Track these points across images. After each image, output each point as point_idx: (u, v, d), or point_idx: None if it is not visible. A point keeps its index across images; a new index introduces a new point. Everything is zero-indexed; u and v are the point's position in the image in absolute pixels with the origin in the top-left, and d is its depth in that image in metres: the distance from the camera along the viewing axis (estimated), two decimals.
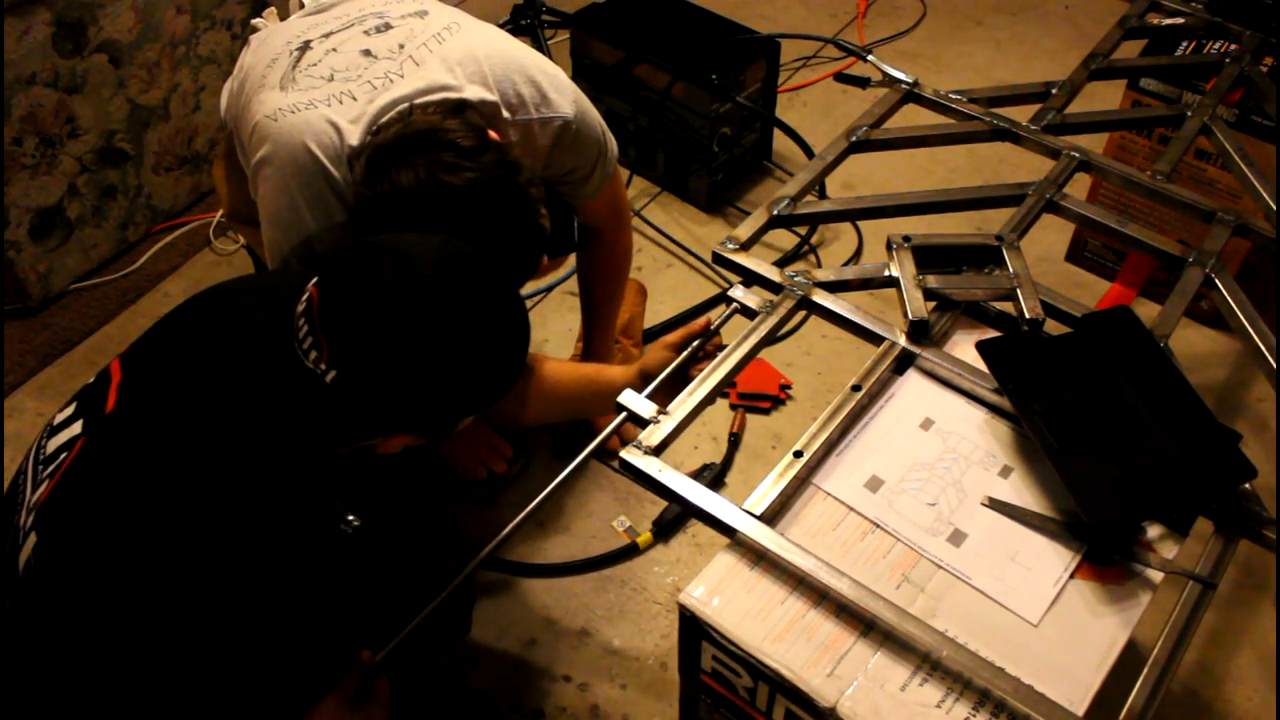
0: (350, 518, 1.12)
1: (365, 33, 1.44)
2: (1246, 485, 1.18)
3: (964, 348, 1.35)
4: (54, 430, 1.08)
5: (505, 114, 1.41)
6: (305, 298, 1.00)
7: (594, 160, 1.55)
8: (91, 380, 1.12)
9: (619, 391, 1.28)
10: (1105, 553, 1.13)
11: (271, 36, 1.50)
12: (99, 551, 0.97)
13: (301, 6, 1.57)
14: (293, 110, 1.35)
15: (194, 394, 1.03)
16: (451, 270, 1.00)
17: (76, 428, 1.06)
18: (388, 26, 1.45)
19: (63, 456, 1.04)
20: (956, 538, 1.15)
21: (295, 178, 1.35)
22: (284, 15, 1.59)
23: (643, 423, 1.24)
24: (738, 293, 1.40)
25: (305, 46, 1.44)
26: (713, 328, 1.39)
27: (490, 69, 1.41)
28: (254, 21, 1.61)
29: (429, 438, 1.08)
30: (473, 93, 1.38)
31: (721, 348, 1.34)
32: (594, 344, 1.89)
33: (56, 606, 0.98)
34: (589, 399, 1.48)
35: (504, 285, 1.06)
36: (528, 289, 2.16)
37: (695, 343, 1.38)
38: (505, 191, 1.25)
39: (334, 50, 1.42)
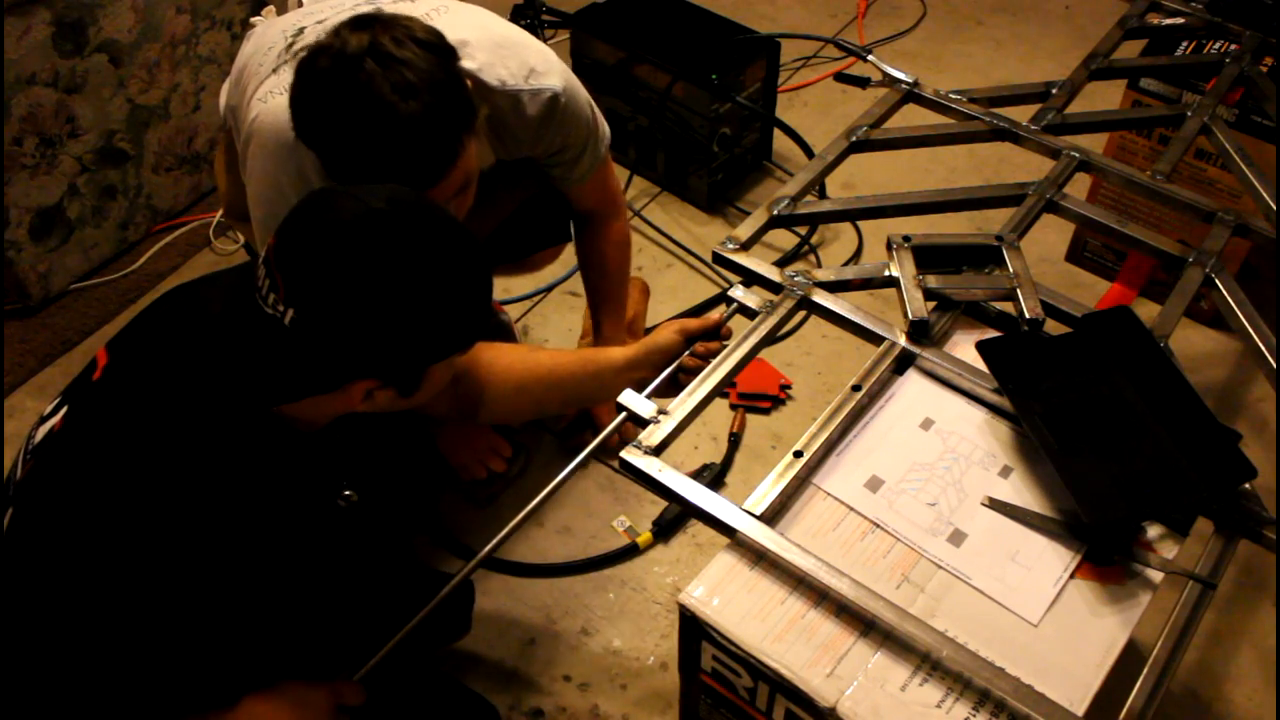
0: (347, 493, 1.12)
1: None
2: (1246, 485, 1.18)
3: (964, 348, 1.35)
4: (42, 420, 1.10)
5: (494, 84, 1.43)
6: (265, 249, 1.01)
7: (584, 139, 1.56)
8: (80, 373, 1.14)
9: (619, 369, 1.27)
10: (1105, 553, 1.13)
11: (269, 28, 1.53)
12: (64, 515, 0.98)
13: (299, 4, 1.58)
14: (282, 91, 1.37)
15: (167, 359, 1.05)
16: (403, 203, 1.01)
17: (63, 414, 1.08)
18: (378, 11, 1.46)
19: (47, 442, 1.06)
20: (956, 538, 1.15)
21: (276, 155, 1.37)
22: (282, 13, 1.60)
23: (643, 422, 1.24)
24: (738, 293, 1.40)
25: (300, 32, 1.47)
26: (724, 319, 1.38)
27: (478, 42, 1.42)
28: (253, 19, 1.63)
29: (398, 386, 1.07)
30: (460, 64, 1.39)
31: (723, 347, 1.34)
32: (605, 338, 1.87)
33: (25, 572, 0.99)
34: (585, 379, 1.42)
35: (457, 222, 1.06)
36: (528, 288, 2.16)
37: (696, 341, 1.38)
38: (447, 65, 1.24)
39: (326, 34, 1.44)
